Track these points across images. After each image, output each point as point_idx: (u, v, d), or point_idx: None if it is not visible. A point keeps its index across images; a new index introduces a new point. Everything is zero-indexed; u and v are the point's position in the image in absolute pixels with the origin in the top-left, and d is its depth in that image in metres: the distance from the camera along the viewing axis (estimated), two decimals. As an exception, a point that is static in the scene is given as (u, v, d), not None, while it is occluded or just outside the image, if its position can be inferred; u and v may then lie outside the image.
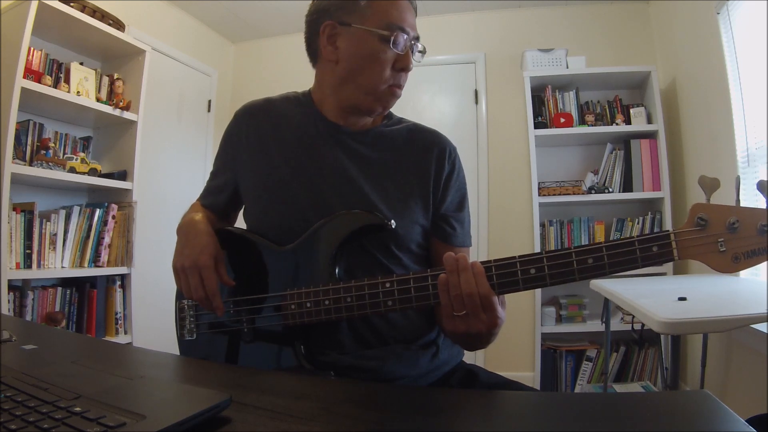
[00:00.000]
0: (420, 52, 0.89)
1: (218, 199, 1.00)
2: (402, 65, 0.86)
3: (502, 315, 0.70)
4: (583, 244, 0.68)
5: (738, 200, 0.63)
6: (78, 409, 0.44)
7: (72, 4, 2.16)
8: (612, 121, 2.82)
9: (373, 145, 0.92)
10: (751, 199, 1.86)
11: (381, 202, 0.86)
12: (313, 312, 0.78)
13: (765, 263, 0.61)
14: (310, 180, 0.88)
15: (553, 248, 2.83)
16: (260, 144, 0.93)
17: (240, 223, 1.02)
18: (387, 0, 0.85)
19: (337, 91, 0.89)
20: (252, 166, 0.93)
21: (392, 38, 0.83)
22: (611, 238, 2.78)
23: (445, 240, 0.92)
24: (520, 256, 0.68)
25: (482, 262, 0.69)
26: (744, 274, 2.01)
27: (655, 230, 2.68)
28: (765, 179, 0.60)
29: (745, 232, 0.61)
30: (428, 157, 0.91)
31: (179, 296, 0.91)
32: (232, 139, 0.97)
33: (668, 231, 0.63)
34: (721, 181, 0.65)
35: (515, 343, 2.94)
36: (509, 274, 0.68)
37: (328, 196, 0.87)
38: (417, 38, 0.88)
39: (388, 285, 0.74)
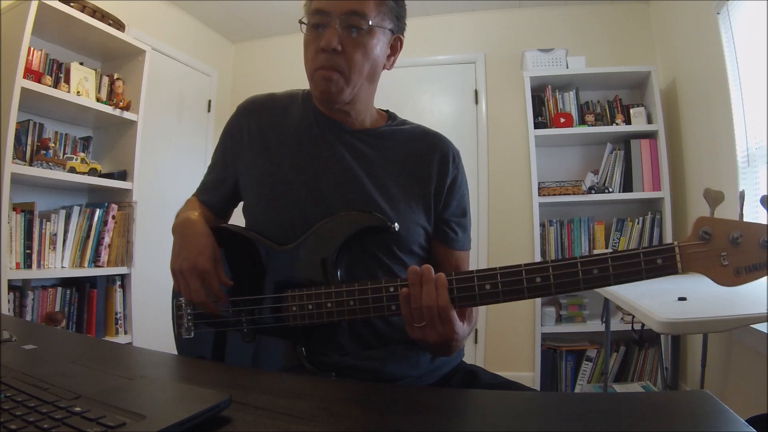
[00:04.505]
0: (352, 27, 0.82)
1: (215, 194, 0.99)
2: (317, 45, 0.83)
3: (461, 330, 0.71)
4: (586, 254, 0.68)
5: (741, 215, 0.64)
6: (78, 409, 0.44)
7: (72, 4, 2.16)
8: (612, 121, 2.81)
9: (376, 145, 0.91)
10: (751, 200, 1.86)
11: (384, 203, 0.86)
12: (315, 314, 0.77)
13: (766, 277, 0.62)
14: (312, 178, 0.88)
15: (552, 248, 2.83)
16: (262, 140, 0.92)
17: (237, 219, 1.01)
18: None
19: None
20: (253, 162, 0.93)
21: (308, 22, 0.84)
22: (611, 239, 2.79)
23: (447, 244, 0.92)
24: (525, 265, 0.68)
25: (487, 269, 0.69)
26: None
27: (654, 230, 2.68)
28: None
29: (748, 247, 0.61)
30: (432, 160, 0.91)
31: (176, 293, 0.90)
32: (233, 134, 0.96)
33: (673, 244, 0.64)
34: (723, 185, 0.66)
35: (515, 343, 2.94)
36: (512, 283, 0.68)
37: (330, 194, 0.86)
38: (349, 14, 0.82)
39: (392, 290, 0.73)
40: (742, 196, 0.66)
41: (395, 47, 0.92)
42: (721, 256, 0.62)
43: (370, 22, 0.83)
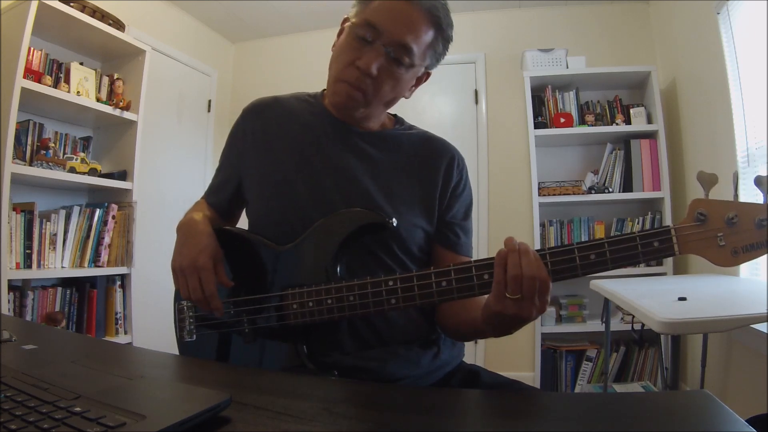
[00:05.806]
0: (396, 60, 0.81)
1: (221, 196, 1.00)
2: (353, 57, 0.82)
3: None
4: (584, 240, 0.68)
5: (736, 195, 0.64)
6: (78, 409, 0.44)
7: (72, 4, 2.16)
8: (612, 121, 2.81)
9: (380, 146, 0.92)
10: (750, 198, 1.85)
11: (385, 203, 0.86)
12: (316, 311, 0.78)
13: (763, 258, 0.62)
14: (314, 177, 0.88)
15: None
16: (265, 141, 0.93)
17: (243, 220, 1.01)
18: (382, 0, 0.82)
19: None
20: (256, 162, 0.93)
21: (357, 32, 0.82)
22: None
23: (449, 248, 0.92)
24: None
25: (484, 259, 0.71)
26: (743, 273, 2.01)
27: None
28: (763, 175, 0.60)
29: (744, 227, 0.61)
30: (437, 165, 0.92)
31: (178, 297, 0.91)
32: (237, 136, 0.97)
33: (669, 226, 0.64)
34: (723, 184, 0.65)
35: (515, 343, 2.94)
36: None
37: (331, 193, 0.87)
38: (399, 46, 0.81)
39: (391, 283, 0.73)
40: (735, 177, 0.66)
41: (420, 79, 0.92)
42: (717, 237, 0.62)
43: (415, 61, 0.83)
